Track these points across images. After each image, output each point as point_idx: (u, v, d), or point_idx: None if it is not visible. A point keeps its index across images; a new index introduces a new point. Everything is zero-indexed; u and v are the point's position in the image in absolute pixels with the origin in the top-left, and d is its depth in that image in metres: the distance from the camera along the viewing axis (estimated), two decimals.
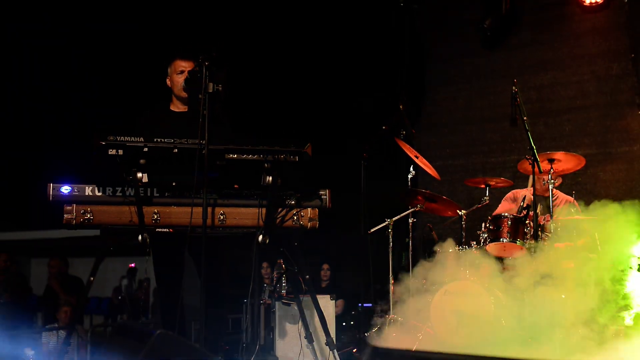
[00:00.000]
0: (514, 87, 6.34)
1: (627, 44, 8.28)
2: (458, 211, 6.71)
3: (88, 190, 4.46)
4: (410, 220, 6.73)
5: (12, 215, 10.20)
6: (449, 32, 9.45)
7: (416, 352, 3.77)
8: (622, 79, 8.27)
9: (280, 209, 4.76)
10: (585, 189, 7.67)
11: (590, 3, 8.28)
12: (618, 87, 8.29)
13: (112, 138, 4.36)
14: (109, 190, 4.48)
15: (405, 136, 6.98)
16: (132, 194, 4.44)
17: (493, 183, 6.76)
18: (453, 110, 9.27)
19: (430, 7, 9.60)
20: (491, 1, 8.72)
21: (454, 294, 5.93)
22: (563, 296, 5.84)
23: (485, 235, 6.32)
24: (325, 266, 9.34)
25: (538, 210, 6.25)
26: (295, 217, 4.79)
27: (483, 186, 6.76)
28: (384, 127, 6.75)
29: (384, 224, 6.61)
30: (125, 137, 4.37)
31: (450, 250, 6.39)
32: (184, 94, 5.21)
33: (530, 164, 6.09)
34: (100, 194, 4.47)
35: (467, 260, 6.21)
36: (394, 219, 6.64)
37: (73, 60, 6.77)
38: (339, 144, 7.12)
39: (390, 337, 5.94)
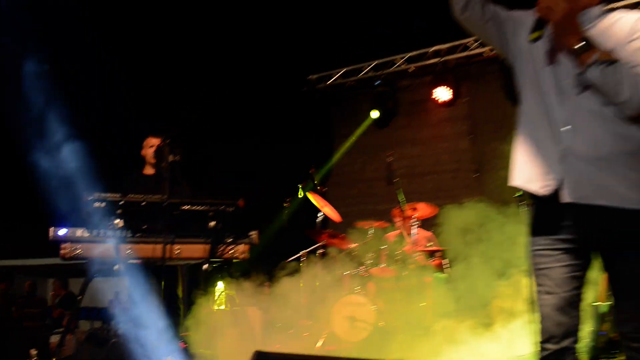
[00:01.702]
0: (390, 157, 6.51)
1: (467, 129, 8.52)
2: (352, 245, 6.78)
3: (79, 232, 4.42)
4: (319, 251, 6.73)
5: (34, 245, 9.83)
6: (350, 116, 9.56)
7: (298, 355, 3.72)
8: (464, 152, 8.51)
9: (221, 245, 4.78)
10: (441, 227, 7.77)
11: (443, 101, 8.51)
12: (462, 158, 8.51)
13: (97, 195, 4.36)
14: (95, 232, 4.44)
15: (316, 190, 7.00)
16: (111, 234, 4.42)
17: (377, 225, 6.84)
18: (352, 172, 9.41)
19: (338, 98, 9.76)
20: (381, 98, 8.99)
21: (347, 304, 5.90)
22: (422, 304, 5.98)
23: (371, 261, 6.41)
24: None
25: (408, 242, 6.37)
26: (231, 251, 4.81)
27: (369, 227, 6.79)
28: (299, 185, 6.73)
29: (298, 255, 6.58)
30: (106, 194, 4.38)
31: (346, 272, 6.40)
32: (152, 162, 5.26)
33: (400, 211, 6.27)
34: (87, 234, 4.43)
35: (357, 279, 6.24)
36: (306, 250, 6.62)
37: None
38: (270, 197, 7.06)
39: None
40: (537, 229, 2.33)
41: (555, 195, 2.22)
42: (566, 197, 2.19)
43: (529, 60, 2.36)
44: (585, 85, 2.16)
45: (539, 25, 2.19)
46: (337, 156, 9.58)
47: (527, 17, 2.36)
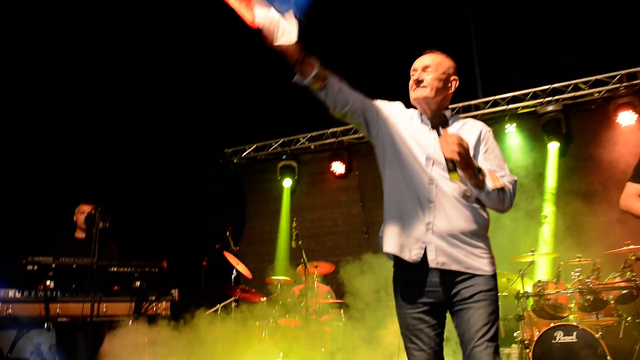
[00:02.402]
0: (294, 222, 6.64)
1: (359, 197, 8.76)
2: (262, 298, 6.79)
3: (11, 293, 4.21)
4: (233, 304, 6.63)
5: None
6: (260, 184, 9.61)
7: None
8: (357, 217, 8.73)
9: (144, 303, 4.68)
10: (339, 282, 7.86)
11: (339, 174, 8.82)
12: (355, 221, 8.71)
13: (30, 258, 4.20)
14: (26, 292, 4.24)
15: (230, 251, 6.96)
16: (42, 295, 4.23)
17: (283, 281, 6.88)
18: (262, 233, 9.35)
19: (250, 169, 9.78)
20: (287, 170, 9.16)
21: (257, 352, 5.85)
22: (322, 349, 6.05)
23: (278, 313, 6.44)
24: None
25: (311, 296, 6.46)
26: (154, 308, 4.72)
27: (276, 283, 6.87)
28: (217, 246, 6.70)
29: (215, 308, 6.47)
30: (39, 258, 4.22)
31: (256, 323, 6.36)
32: (83, 227, 5.11)
33: (304, 268, 6.38)
34: (19, 295, 4.22)
35: (266, 328, 6.24)
36: (222, 304, 6.53)
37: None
38: (189, 257, 6.92)
39: None
40: (405, 293, 2.44)
41: (421, 261, 2.37)
42: (432, 263, 2.36)
43: (405, 148, 2.49)
44: (468, 195, 2.39)
45: (452, 166, 2.26)
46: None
47: (395, 107, 2.61)
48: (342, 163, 8.77)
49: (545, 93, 7.80)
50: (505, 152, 7.86)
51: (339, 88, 2.47)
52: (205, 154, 9.15)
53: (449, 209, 2.39)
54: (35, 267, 4.18)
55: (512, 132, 7.87)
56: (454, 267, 2.35)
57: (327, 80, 2.43)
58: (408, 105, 2.69)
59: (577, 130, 7.62)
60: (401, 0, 8.19)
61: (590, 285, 5.41)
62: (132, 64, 7.15)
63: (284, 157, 9.20)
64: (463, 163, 2.25)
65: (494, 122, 8.03)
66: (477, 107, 8.17)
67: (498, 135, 7.99)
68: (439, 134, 2.33)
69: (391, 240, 2.45)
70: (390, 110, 2.61)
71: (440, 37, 8.59)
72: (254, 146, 9.55)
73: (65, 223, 5.36)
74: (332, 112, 2.54)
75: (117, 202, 5.75)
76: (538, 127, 7.67)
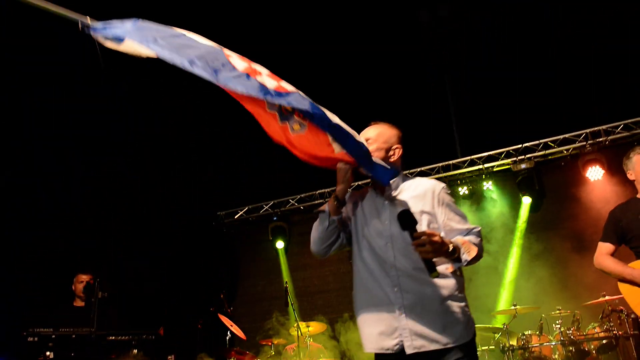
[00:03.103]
0: (285, 283, 6.70)
1: (347, 255, 8.63)
2: (254, 357, 6.72)
3: None
4: None
5: None
6: (252, 248, 9.63)
7: None
8: (346, 274, 8.69)
9: None
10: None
11: None
12: (344, 278, 8.70)
13: (31, 330, 4.22)
14: None
15: (224, 312, 6.95)
16: None
17: (269, 343, 6.78)
18: (255, 293, 9.29)
19: (242, 231, 9.80)
20: (278, 231, 9.22)
21: None
22: None
23: None
24: None
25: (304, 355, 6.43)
26: None
27: (270, 344, 6.83)
28: (211, 309, 6.70)
29: None
30: (39, 329, 4.24)
31: None
32: (82, 296, 5.17)
33: (295, 328, 6.39)
34: None
35: None
36: None
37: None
38: (185, 320, 6.89)
39: None
40: None
41: (400, 350, 2.36)
42: (409, 350, 2.33)
43: (363, 237, 2.54)
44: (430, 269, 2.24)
45: (431, 265, 2.20)
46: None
47: (349, 200, 2.65)
48: None
49: (518, 152, 8.13)
50: (484, 209, 8.09)
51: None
52: (198, 218, 9.24)
53: (415, 285, 2.37)
54: (36, 339, 4.19)
55: (490, 189, 8.12)
56: (432, 347, 2.32)
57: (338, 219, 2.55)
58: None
59: (550, 186, 7.91)
60: (378, 64, 8.62)
61: (572, 337, 5.50)
62: (131, 127, 7.30)
63: (275, 218, 9.32)
64: (439, 254, 2.24)
65: (472, 180, 8.30)
66: (455, 167, 8.46)
67: (477, 193, 8.24)
68: (412, 238, 2.23)
69: (370, 338, 2.45)
70: (346, 209, 2.63)
71: (418, 100, 9.01)
72: (246, 208, 9.69)
73: (64, 292, 5.40)
74: (317, 250, 2.69)
75: (113, 269, 5.81)
76: (514, 184, 7.94)
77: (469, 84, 9.40)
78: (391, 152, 2.62)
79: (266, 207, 9.54)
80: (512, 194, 8.00)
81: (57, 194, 6.15)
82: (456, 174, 8.36)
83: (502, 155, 8.23)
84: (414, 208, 2.44)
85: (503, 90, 8.38)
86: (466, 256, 2.32)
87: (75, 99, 5.97)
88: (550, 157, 7.98)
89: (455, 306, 2.37)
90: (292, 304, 6.50)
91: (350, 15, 8.24)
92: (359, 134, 2.53)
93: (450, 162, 8.50)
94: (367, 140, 2.58)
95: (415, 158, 8.62)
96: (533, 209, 7.80)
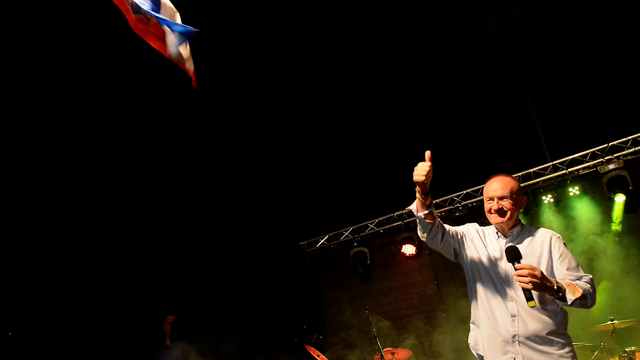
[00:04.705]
0: (366, 310, 6.63)
1: (432, 276, 8.61)
2: None
3: None
4: None
5: None
6: (337, 275, 9.64)
7: None
8: (432, 296, 8.52)
9: None
10: None
11: (410, 254, 8.72)
12: (431, 300, 8.50)
13: None
14: None
15: (310, 343, 7.00)
16: None
17: None
18: (341, 320, 9.25)
19: (324, 259, 9.82)
20: (359, 256, 9.20)
21: None
22: None
23: None
24: None
25: None
26: None
27: None
28: (295, 340, 6.79)
29: None
30: None
31: None
32: (169, 334, 5.48)
33: (379, 356, 6.28)
34: None
35: None
36: None
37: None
38: (271, 352, 6.99)
39: None
40: None
41: None
42: None
43: (485, 268, 2.84)
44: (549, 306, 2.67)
45: (529, 294, 2.52)
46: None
47: (473, 233, 2.96)
48: (411, 245, 8.73)
49: (604, 152, 7.53)
50: (572, 216, 7.55)
51: (441, 225, 2.86)
52: (282, 248, 9.40)
53: (530, 319, 2.67)
54: None
55: (577, 194, 7.57)
56: None
57: (435, 220, 2.82)
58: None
59: None
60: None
61: None
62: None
63: (355, 244, 9.28)
64: (538, 288, 2.52)
65: (556, 187, 7.80)
66: (537, 175, 7.99)
67: (563, 199, 7.72)
68: (514, 269, 2.57)
69: (484, 345, 2.79)
70: (472, 238, 2.96)
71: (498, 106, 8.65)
72: (327, 236, 9.72)
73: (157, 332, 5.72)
74: (427, 241, 2.89)
75: (201, 305, 5.97)
76: (602, 186, 7.34)
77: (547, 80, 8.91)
78: (521, 203, 2.90)
79: (346, 234, 9.51)
80: (601, 197, 7.39)
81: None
82: (539, 181, 7.90)
83: (587, 157, 7.66)
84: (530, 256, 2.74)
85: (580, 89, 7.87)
86: (571, 296, 2.53)
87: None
88: None
89: (561, 339, 2.66)
90: (373, 331, 6.43)
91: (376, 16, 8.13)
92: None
93: (531, 170, 8.04)
94: (502, 198, 2.84)
95: (494, 168, 8.29)
96: (628, 210, 7.14)
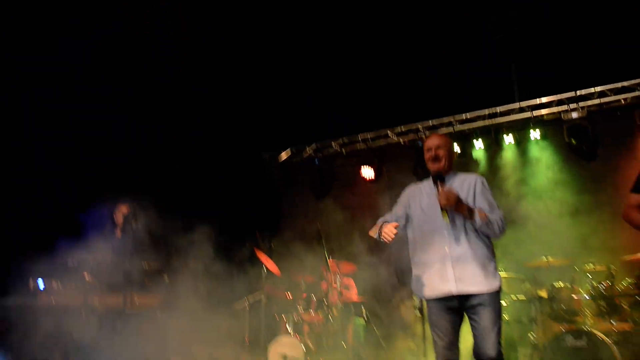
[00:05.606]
0: (318, 225, 6.76)
1: (388, 201, 8.28)
2: (288, 294, 6.97)
3: (54, 283, 4.53)
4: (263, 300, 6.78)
5: None
6: (295, 187, 9.79)
7: None
8: None
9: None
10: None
11: (370, 178, 8.89)
12: None
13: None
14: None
15: (263, 249, 7.17)
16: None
17: (309, 278, 7.05)
18: (294, 232, 9.45)
19: (284, 174, 9.95)
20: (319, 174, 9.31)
21: (282, 344, 6.03)
22: (344, 344, 6.15)
23: (303, 309, 6.56)
24: None
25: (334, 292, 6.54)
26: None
27: (302, 280, 7.03)
28: (248, 244, 6.91)
29: (244, 302, 6.68)
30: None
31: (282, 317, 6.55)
32: (122, 226, 5.45)
33: (326, 267, 6.52)
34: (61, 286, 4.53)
35: (291, 323, 6.37)
36: (251, 298, 6.74)
37: None
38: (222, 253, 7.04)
39: None
40: (433, 303, 3.36)
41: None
42: (454, 291, 3.24)
43: (423, 218, 3.43)
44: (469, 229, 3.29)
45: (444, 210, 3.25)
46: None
47: (410, 191, 3.61)
48: (371, 168, 8.83)
49: (570, 100, 7.63)
50: (530, 159, 7.76)
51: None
52: (243, 158, 9.33)
53: (460, 243, 3.27)
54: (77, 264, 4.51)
55: (537, 138, 7.73)
56: (471, 289, 3.20)
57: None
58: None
59: (603, 137, 7.40)
60: None
61: (604, 291, 5.31)
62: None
63: (317, 161, 9.33)
64: (453, 207, 3.23)
65: (518, 128, 7.93)
66: (503, 114, 8.07)
67: (524, 141, 7.87)
68: (437, 189, 3.33)
69: (422, 286, 3.37)
70: (410, 198, 3.58)
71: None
72: (289, 150, 9.73)
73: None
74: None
75: (153, 201, 5.92)
76: (562, 134, 7.49)
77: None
78: (453, 155, 3.57)
79: (310, 151, 9.52)
80: (560, 145, 7.58)
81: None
82: (502, 122, 8.01)
83: (554, 103, 7.75)
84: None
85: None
86: (478, 218, 3.21)
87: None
88: (605, 107, 7.43)
89: (490, 263, 3.32)
90: (324, 244, 6.62)
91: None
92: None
93: (497, 108, 8.10)
94: (438, 147, 3.46)
95: (461, 102, 8.35)
96: (583, 159, 7.37)
